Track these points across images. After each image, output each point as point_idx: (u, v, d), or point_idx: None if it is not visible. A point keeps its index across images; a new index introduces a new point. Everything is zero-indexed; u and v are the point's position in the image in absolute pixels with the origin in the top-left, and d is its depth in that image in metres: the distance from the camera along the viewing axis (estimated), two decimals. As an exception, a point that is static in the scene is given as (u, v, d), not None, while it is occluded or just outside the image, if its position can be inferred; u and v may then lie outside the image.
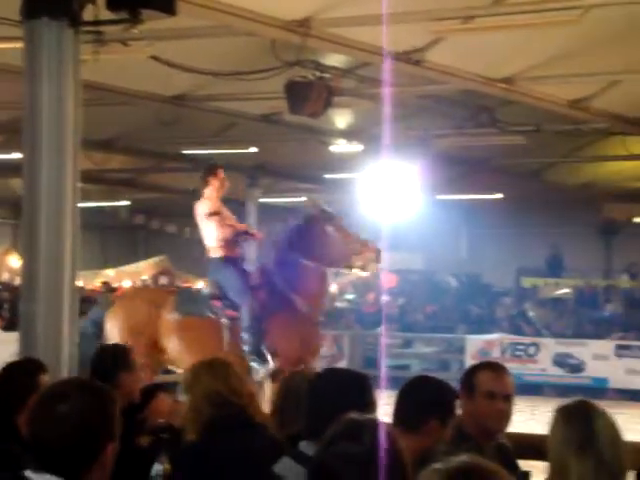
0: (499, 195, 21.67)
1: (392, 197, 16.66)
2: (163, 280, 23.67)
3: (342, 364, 18.75)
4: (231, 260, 10.00)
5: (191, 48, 11.34)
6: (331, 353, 19.67)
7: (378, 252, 9.85)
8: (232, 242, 10.02)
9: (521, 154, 18.25)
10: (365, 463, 2.57)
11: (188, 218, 24.16)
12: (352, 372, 3.94)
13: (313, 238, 9.71)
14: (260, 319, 9.59)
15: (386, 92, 11.34)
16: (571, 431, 3.53)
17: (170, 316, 9.75)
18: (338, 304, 22.55)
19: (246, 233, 10.34)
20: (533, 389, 17.64)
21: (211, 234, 10.07)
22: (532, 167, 20.31)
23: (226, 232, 10.01)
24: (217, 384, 4.13)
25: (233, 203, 23.70)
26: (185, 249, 24.13)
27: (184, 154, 19.03)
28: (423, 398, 4.11)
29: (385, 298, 21.57)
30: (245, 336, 9.61)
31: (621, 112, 14.47)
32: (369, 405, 3.65)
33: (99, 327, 9.91)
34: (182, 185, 22.73)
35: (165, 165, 20.82)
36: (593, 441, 3.46)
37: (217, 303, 9.83)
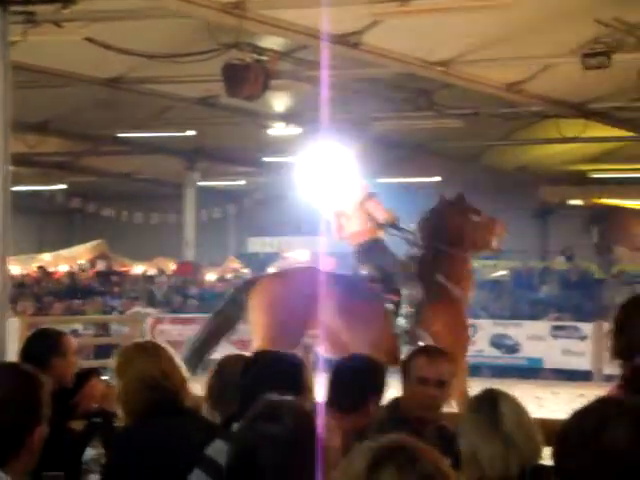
0: (437, 178, 21.80)
1: (330, 180, 16.66)
2: (100, 265, 23.48)
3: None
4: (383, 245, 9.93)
5: (127, 30, 11.24)
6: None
7: (505, 227, 10.01)
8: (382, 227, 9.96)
9: (459, 137, 18.38)
10: (283, 444, 2.58)
11: (125, 201, 24.12)
12: (286, 355, 3.94)
13: (455, 225, 9.69)
14: (420, 304, 9.53)
15: (324, 75, 11.33)
16: (479, 417, 3.70)
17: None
18: (277, 287, 22.53)
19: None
20: (471, 370, 17.78)
21: (364, 218, 9.91)
22: (470, 150, 20.46)
23: (384, 215, 9.91)
24: (150, 368, 4.09)
25: (171, 186, 23.71)
26: (122, 233, 23.97)
27: (120, 137, 18.87)
28: (361, 380, 4.12)
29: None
30: (402, 320, 9.52)
31: (555, 95, 14.63)
32: (304, 387, 3.66)
33: None
34: (118, 168, 22.57)
35: (101, 148, 20.62)
36: (500, 424, 3.62)
37: (377, 286, 9.65)
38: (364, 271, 9.82)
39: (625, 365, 3.53)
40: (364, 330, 9.21)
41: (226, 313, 9.36)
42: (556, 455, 2.17)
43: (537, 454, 3.63)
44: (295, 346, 8.65)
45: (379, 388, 4.19)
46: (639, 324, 3.55)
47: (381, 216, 9.86)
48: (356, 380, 4.10)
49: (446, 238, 9.65)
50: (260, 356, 3.94)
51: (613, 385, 3.62)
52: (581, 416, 2.18)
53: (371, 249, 9.79)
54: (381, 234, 9.87)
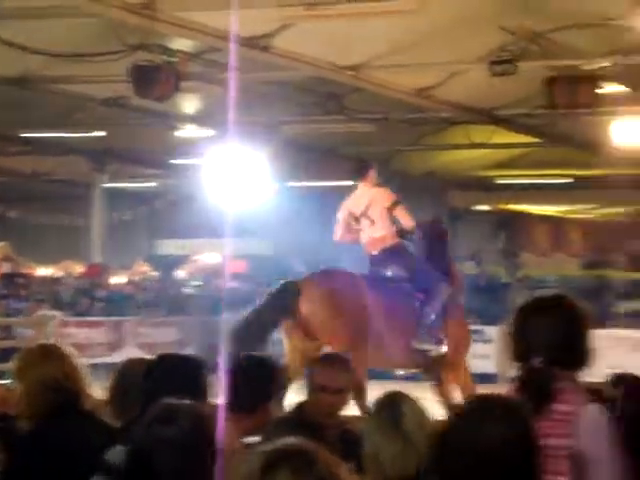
0: (347, 182, 21.89)
1: (241, 183, 16.65)
2: (5, 267, 23.06)
3: (189, 350, 18.63)
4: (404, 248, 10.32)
5: (33, 28, 11.08)
6: (177, 339, 19.56)
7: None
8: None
9: (369, 142, 18.50)
10: (179, 447, 2.58)
11: (32, 203, 23.66)
12: (188, 358, 3.93)
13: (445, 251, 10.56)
14: (446, 307, 9.99)
15: (234, 78, 11.31)
16: (381, 419, 3.84)
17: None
18: (186, 290, 22.42)
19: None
20: (383, 374, 17.91)
21: (389, 224, 10.19)
22: (379, 155, 20.58)
23: (410, 224, 10.25)
24: (52, 370, 4.05)
25: (80, 188, 23.38)
26: (29, 235, 23.56)
27: (27, 137, 18.57)
28: (257, 380, 4.13)
29: (233, 284, 21.53)
30: (427, 321, 9.86)
31: (463, 102, 14.84)
32: (204, 391, 3.65)
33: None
34: (26, 169, 22.19)
35: (7, 149, 20.26)
36: (400, 425, 3.76)
37: (407, 286, 9.98)
38: (389, 272, 10.15)
39: (522, 367, 3.60)
40: (400, 332, 9.55)
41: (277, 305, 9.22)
42: (437, 458, 2.21)
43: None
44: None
45: (276, 389, 4.21)
46: (536, 327, 3.62)
47: (407, 224, 10.20)
48: (252, 381, 4.12)
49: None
50: (162, 359, 3.93)
51: (510, 387, 3.68)
52: (458, 419, 2.24)
53: (398, 251, 10.11)
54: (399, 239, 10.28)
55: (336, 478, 2.08)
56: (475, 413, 2.22)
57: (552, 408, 3.50)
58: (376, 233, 10.13)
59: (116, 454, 3.42)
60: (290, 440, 2.15)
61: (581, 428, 3.44)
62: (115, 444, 3.51)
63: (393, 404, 3.83)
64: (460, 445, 2.14)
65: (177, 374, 3.68)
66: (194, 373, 3.71)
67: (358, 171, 10.80)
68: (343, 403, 4.66)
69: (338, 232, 10.45)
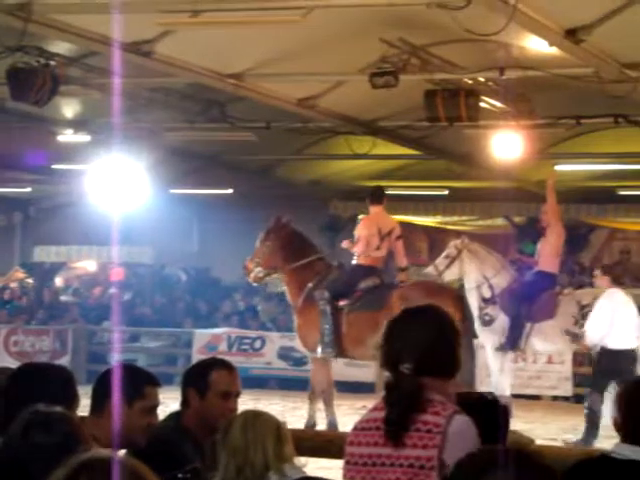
0: (229, 190, 21.86)
1: (122, 189, 16.44)
2: None
3: (65, 359, 18.33)
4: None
5: None
6: (53, 348, 19.20)
7: None
8: None
9: (252, 150, 18.48)
10: (53, 453, 2.54)
11: None
12: (54, 366, 3.88)
13: None
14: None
15: (115, 83, 11.18)
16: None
17: None
18: (63, 298, 22.02)
19: None
20: (258, 382, 17.92)
21: (387, 250, 13.37)
22: (262, 163, 20.61)
23: (403, 261, 13.78)
24: None
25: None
26: None
27: None
28: (99, 384, 4.12)
29: (112, 292, 21.26)
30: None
31: (346, 112, 14.94)
32: (72, 399, 3.59)
33: None
34: None
35: None
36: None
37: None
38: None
39: (391, 374, 3.63)
40: None
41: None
42: None
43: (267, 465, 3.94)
44: None
45: (114, 391, 4.16)
46: (405, 334, 3.67)
47: (402, 261, 13.49)
48: (96, 384, 4.11)
49: None
50: (25, 368, 3.85)
51: (381, 395, 3.72)
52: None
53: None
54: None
55: None
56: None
57: (421, 419, 3.54)
58: (378, 254, 13.13)
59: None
60: (92, 452, 2.23)
61: (448, 439, 3.48)
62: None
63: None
64: None
65: (42, 382, 3.61)
66: (61, 380, 3.66)
67: (378, 196, 13.49)
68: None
69: (365, 247, 13.08)
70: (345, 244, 13.60)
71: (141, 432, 3.99)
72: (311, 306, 13.01)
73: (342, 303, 12.91)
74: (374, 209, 13.51)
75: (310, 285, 13.08)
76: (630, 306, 12.45)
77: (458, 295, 12.91)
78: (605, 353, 12.09)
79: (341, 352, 13.04)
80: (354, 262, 13.44)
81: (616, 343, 12.08)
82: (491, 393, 4.28)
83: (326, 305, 12.79)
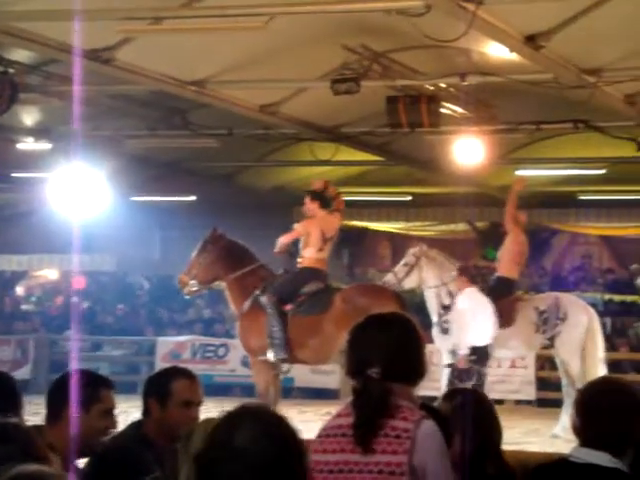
0: (192, 197, 21.78)
1: (83, 197, 16.33)
2: None
3: (26, 369, 18.19)
4: None
5: None
6: (14, 357, 19.02)
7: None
8: None
9: (213, 157, 18.43)
10: (18, 463, 2.52)
11: None
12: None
13: None
14: None
15: (75, 90, 11.10)
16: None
17: None
18: (24, 307, 21.84)
19: None
20: (222, 390, 17.86)
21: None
22: (224, 170, 20.56)
23: None
24: None
25: None
26: None
27: None
28: (55, 390, 4.10)
29: (73, 300, 21.11)
30: None
31: (308, 118, 14.95)
32: (16, 405, 3.57)
33: None
34: None
35: None
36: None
37: None
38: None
39: (357, 379, 3.64)
40: None
41: None
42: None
43: None
44: None
45: (71, 398, 4.13)
46: (371, 340, 3.67)
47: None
48: (51, 393, 4.08)
49: None
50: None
51: (345, 401, 3.71)
52: (216, 426, 2.48)
53: None
54: None
55: None
56: (228, 420, 2.50)
57: (390, 424, 3.54)
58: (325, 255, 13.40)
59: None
60: (27, 466, 2.24)
61: (417, 444, 3.49)
62: None
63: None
64: (221, 449, 2.39)
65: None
66: (5, 387, 3.63)
67: (326, 201, 13.37)
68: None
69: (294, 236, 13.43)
70: (281, 239, 13.51)
71: (99, 436, 3.97)
72: (258, 311, 13.00)
73: (287, 308, 12.92)
74: (320, 212, 13.33)
75: (257, 292, 13.08)
76: (487, 305, 12.79)
77: (398, 295, 12.91)
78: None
79: (289, 356, 13.05)
80: (299, 265, 13.37)
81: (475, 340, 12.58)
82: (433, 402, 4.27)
83: (274, 309, 12.81)
